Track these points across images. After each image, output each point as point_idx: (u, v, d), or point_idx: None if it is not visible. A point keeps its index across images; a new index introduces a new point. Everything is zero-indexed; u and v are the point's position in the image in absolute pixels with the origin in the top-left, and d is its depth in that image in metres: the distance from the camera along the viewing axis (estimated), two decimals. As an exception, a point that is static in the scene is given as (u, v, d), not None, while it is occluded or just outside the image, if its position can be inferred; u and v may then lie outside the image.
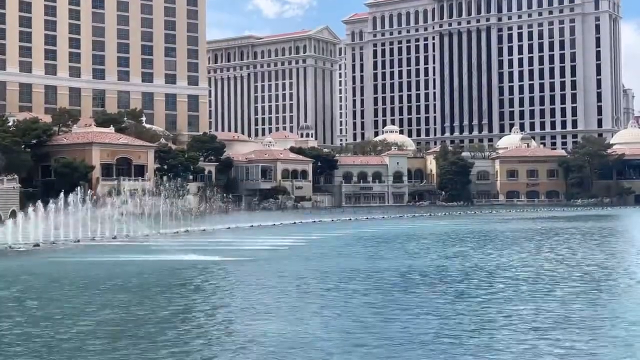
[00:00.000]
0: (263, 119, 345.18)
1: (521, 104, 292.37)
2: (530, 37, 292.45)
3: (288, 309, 31.11)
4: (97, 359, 22.84)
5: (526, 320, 27.85)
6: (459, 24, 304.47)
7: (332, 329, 26.61)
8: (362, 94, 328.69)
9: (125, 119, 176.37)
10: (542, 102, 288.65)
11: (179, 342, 24.87)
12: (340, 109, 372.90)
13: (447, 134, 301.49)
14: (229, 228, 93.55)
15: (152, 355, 23.14)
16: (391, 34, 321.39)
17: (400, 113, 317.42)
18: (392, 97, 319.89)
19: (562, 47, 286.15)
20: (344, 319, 28.19)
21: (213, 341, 25.29)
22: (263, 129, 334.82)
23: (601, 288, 37.30)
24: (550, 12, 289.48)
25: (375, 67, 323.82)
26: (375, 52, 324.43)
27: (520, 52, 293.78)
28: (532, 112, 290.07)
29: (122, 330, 26.81)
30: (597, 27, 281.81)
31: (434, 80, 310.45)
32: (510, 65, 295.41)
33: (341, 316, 28.95)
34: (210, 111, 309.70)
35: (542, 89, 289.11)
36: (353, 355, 22.71)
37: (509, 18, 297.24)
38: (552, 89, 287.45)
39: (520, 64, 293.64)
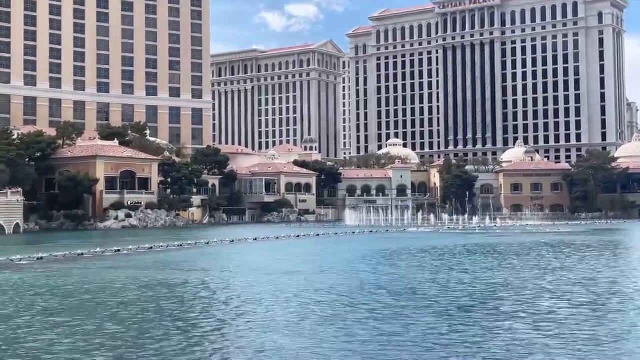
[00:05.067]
0: (267, 132, 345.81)
1: (525, 117, 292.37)
2: (534, 51, 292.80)
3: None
4: None
5: None
6: (463, 37, 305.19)
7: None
8: (365, 107, 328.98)
9: (129, 132, 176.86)
10: (545, 116, 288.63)
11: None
12: (344, 122, 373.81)
13: (451, 148, 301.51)
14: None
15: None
16: (395, 47, 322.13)
17: (404, 126, 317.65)
18: (396, 111, 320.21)
19: (565, 60, 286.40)
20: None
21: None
22: (267, 142, 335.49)
23: None
24: (554, 26, 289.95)
25: (379, 81, 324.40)
26: (378, 65, 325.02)
27: (524, 65, 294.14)
28: (535, 126, 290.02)
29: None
30: (601, 41, 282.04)
31: (438, 93, 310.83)
32: (514, 78, 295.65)
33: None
34: (214, 124, 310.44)
35: (545, 103, 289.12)
36: None
37: (513, 32, 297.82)
38: (555, 102, 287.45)
39: (524, 78, 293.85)
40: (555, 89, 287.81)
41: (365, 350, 25.40)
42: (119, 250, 72.52)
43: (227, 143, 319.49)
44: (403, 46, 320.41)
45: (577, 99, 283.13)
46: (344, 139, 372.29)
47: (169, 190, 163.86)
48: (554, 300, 36.58)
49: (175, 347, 26.13)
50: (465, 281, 45.54)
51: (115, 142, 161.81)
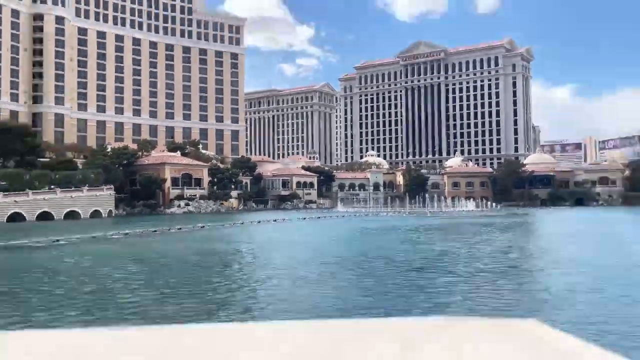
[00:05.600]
0: (283, 147, 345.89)
1: (462, 135, 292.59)
2: (468, 90, 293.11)
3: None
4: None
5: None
6: (419, 81, 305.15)
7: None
8: (351, 130, 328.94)
9: (187, 146, 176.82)
10: (476, 135, 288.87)
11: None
12: (337, 139, 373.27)
13: (411, 157, 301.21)
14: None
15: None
16: (372, 88, 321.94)
17: (378, 142, 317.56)
18: (372, 132, 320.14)
19: (490, 96, 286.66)
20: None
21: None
22: (283, 153, 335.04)
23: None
24: (482, 73, 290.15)
25: (361, 111, 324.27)
26: (361, 100, 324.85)
27: (461, 100, 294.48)
28: (469, 142, 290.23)
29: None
30: (514, 83, 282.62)
31: (402, 120, 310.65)
32: (454, 109, 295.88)
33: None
34: (246, 141, 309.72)
35: (476, 126, 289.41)
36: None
37: (454, 77, 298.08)
38: (483, 125, 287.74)
39: (461, 109, 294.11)
40: (483, 116, 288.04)
41: (359, 292, 25.34)
42: (180, 228, 72.46)
43: (255, 154, 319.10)
44: (378, 87, 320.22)
45: (497, 123, 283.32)
46: (336, 151, 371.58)
47: (215, 187, 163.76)
48: (481, 262, 36.49)
49: (221, 294, 26.06)
50: (420, 249, 45.47)
51: (178, 153, 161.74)
